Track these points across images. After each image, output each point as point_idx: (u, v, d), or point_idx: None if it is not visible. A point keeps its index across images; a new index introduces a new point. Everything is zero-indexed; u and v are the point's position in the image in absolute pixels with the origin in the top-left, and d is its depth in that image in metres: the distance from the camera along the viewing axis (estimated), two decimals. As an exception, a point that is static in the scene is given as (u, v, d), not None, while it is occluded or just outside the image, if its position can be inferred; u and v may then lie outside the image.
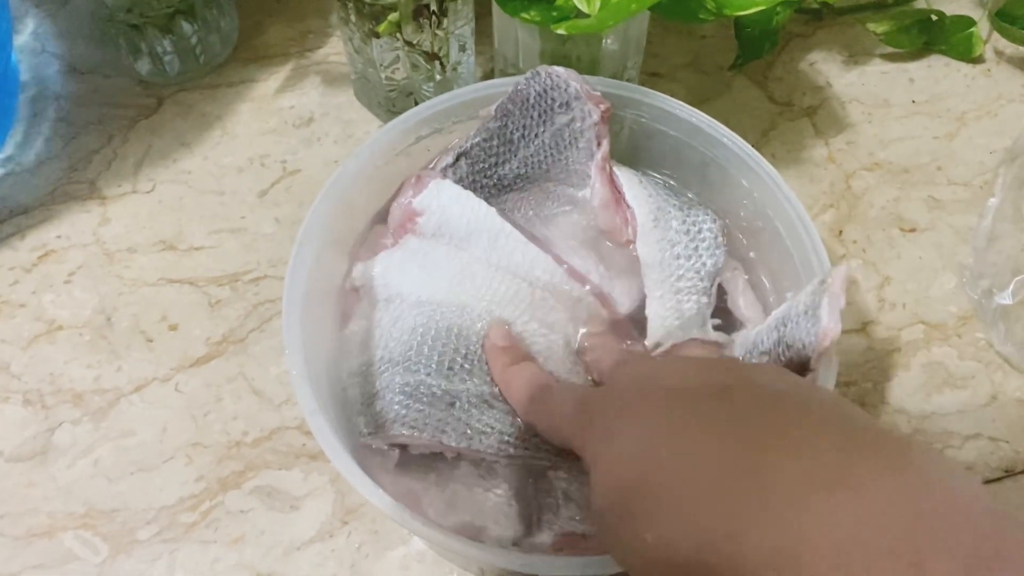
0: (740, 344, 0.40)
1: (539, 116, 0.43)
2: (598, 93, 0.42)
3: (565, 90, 0.41)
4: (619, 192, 0.44)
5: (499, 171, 0.45)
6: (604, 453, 0.30)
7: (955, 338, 0.50)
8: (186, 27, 0.56)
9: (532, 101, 0.42)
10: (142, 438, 0.46)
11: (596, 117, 0.42)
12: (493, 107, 0.43)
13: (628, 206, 0.44)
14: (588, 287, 0.43)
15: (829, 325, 0.34)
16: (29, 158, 0.55)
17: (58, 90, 0.58)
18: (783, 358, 0.36)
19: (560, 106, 0.42)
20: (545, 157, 0.44)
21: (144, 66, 0.58)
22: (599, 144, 0.42)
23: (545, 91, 0.42)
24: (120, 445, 0.46)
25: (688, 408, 0.29)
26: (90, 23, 0.60)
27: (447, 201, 0.43)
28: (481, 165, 0.44)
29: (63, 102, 0.58)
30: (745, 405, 0.28)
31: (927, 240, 0.53)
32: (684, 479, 0.26)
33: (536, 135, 0.43)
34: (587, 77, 0.42)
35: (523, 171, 0.45)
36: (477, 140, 0.44)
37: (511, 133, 0.43)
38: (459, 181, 0.44)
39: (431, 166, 0.45)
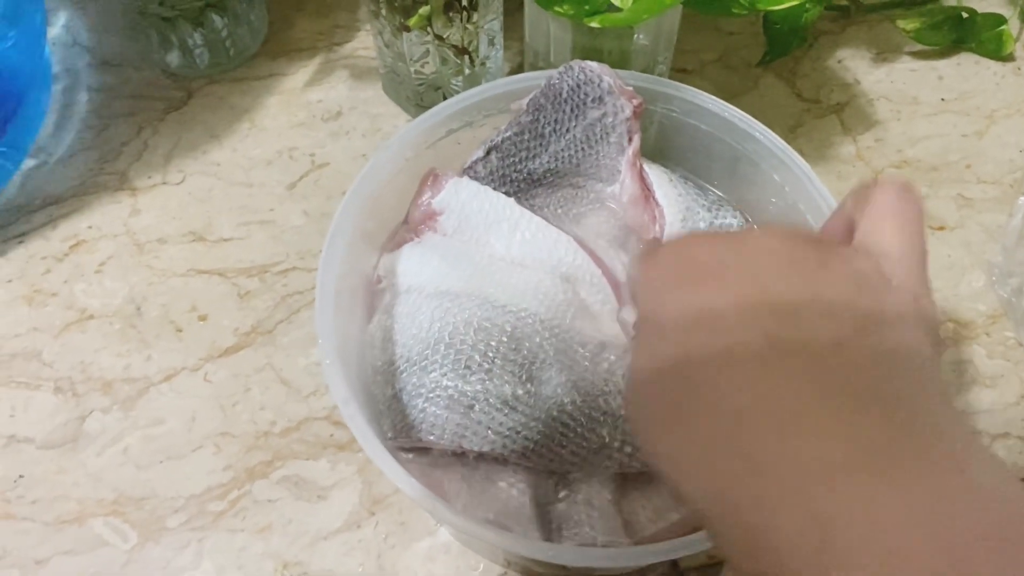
0: None
1: (571, 110, 0.43)
2: (631, 88, 0.42)
3: (599, 84, 0.42)
4: (648, 189, 0.44)
5: (529, 165, 0.45)
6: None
7: (984, 336, 0.49)
8: (216, 20, 0.56)
9: (565, 95, 0.42)
10: (171, 427, 0.47)
11: (628, 112, 0.42)
12: (525, 101, 0.43)
13: (657, 203, 0.44)
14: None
15: None
16: (61, 149, 0.56)
17: (89, 82, 0.59)
18: None
19: (593, 101, 0.42)
20: (576, 151, 0.44)
21: (174, 59, 0.58)
22: (630, 139, 0.42)
23: (578, 85, 0.42)
24: (149, 434, 0.46)
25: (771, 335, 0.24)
26: (121, 16, 0.61)
27: (466, 198, 0.44)
28: (512, 159, 0.44)
29: (94, 94, 0.58)
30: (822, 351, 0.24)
31: (956, 238, 0.53)
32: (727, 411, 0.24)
33: (568, 129, 0.43)
34: (619, 72, 0.42)
35: (553, 166, 0.45)
36: (508, 134, 0.44)
37: (543, 127, 0.44)
38: (489, 175, 0.44)
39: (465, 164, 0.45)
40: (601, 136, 0.43)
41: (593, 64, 0.42)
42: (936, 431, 0.23)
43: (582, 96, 0.42)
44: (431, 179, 0.44)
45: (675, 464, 0.25)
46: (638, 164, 0.43)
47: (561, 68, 0.42)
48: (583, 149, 0.44)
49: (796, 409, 0.23)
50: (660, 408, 0.26)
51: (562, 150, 0.44)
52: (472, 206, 0.43)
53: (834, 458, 0.22)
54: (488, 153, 0.44)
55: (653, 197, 0.44)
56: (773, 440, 0.23)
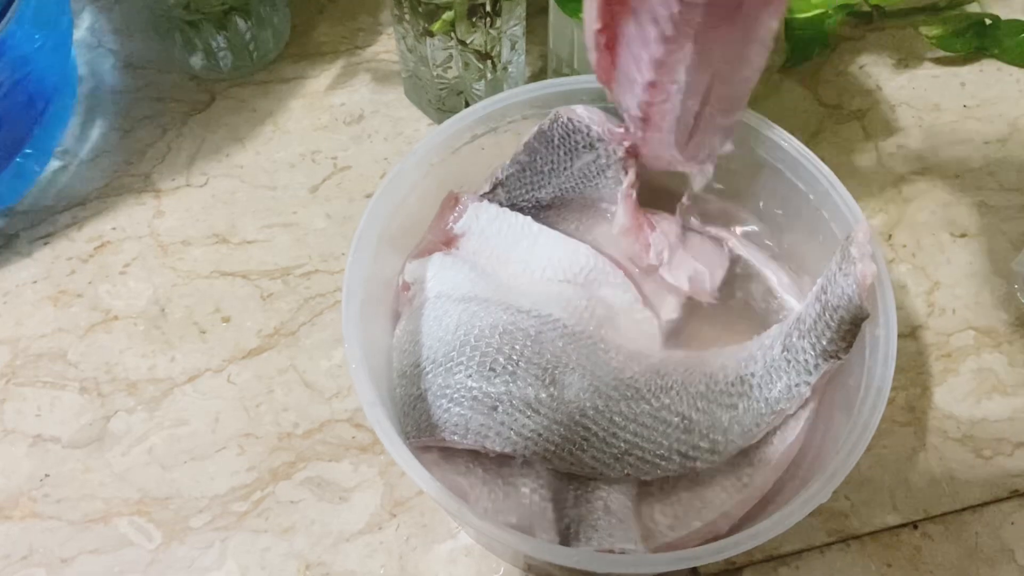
0: (781, 328, 0.41)
1: (565, 154, 0.44)
2: (621, 130, 0.42)
3: (587, 134, 0.43)
4: (644, 217, 0.45)
5: (536, 195, 0.46)
6: None
7: (1006, 344, 0.49)
8: (240, 23, 0.57)
9: (556, 142, 0.44)
10: (195, 427, 0.47)
11: (621, 153, 0.43)
12: (523, 142, 0.44)
13: (653, 230, 0.44)
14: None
15: (864, 267, 0.37)
16: (85, 151, 0.56)
17: (114, 84, 0.59)
18: (832, 323, 0.38)
19: (584, 147, 0.43)
20: (577, 184, 0.45)
21: (198, 61, 0.58)
22: (626, 172, 0.43)
23: (567, 134, 0.43)
24: (173, 434, 0.47)
25: None
26: (145, 19, 0.61)
27: (486, 222, 0.44)
28: (518, 192, 0.45)
29: (118, 96, 0.59)
30: None
31: (978, 246, 0.53)
32: None
33: (565, 168, 0.45)
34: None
35: (559, 194, 0.46)
36: (511, 171, 0.45)
37: (541, 166, 0.45)
38: (500, 206, 0.45)
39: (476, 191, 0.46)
40: (597, 173, 0.44)
41: (581, 112, 0.42)
42: None
43: (572, 144, 0.43)
44: (452, 202, 0.45)
45: None
46: (632, 196, 0.44)
47: (551, 115, 0.43)
48: (583, 182, 0.45)
49: None
50: None
51: (563, 183, 0.45)
52: (492, 228, 0.44)
53: None
54: (494, 188, 0.45)
55: (649, 224, 0.44)
56: None
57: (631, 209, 0.44)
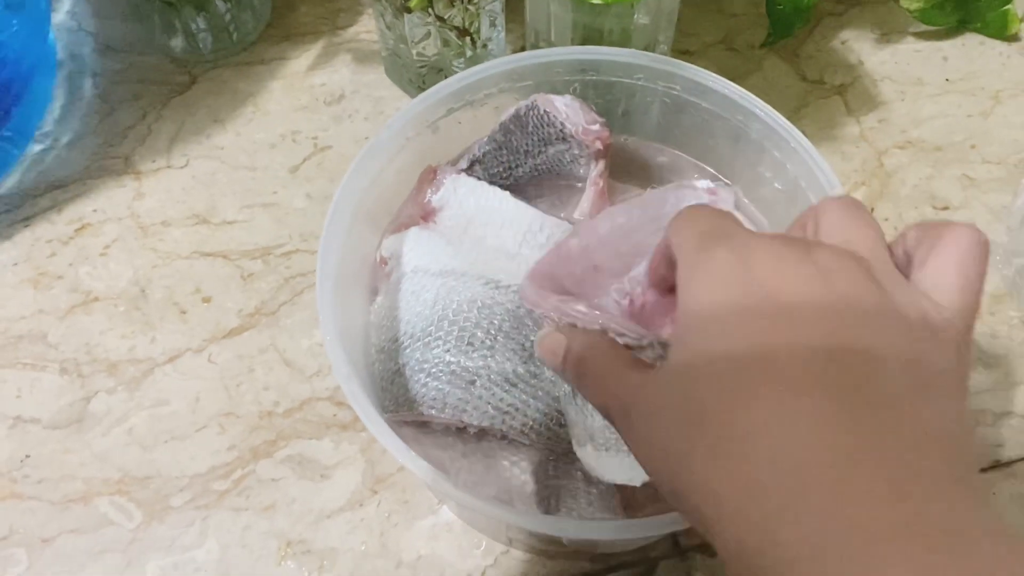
0: None
1: (538, 140, 0.44)
2: (596, 126, 0.42)
3: (561, 129, 0.43)
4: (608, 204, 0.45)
5: (514, 173, 0.46)
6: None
7: (988, 316, 0.49)
8: (219, 5, 0.56)
9: (530, 129, 0.44)
10: (175, 407, 0.47)
11: (592, 150, 0.43)
12: (498, 122, 0.44)
13: None
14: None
15: None
16: (66, 134, 0.56)
17: (94, 67, 0.59)
18: None
19: (556, 139, 0.43)
20: (553, 166, 0.45)
21: (178, 43, 0.58)
22: (597, 161, 0.43)
23: (541, 125, 0.43)
24: (154, 414, 0.47)
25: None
26: (125, 1, 0.61)
27: (464, 195, 0.44)
28: (496, 169, 0.45)
29: (98, 79, 0.59)
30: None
31: (960, 218, 0.52)
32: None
33: (540, 151, 0.45)
34: (619, 51, 0.42)
35: (535, 173, 0.46)
36: (488, 149, 0.45)
37: (517, 146, 0.45)
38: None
39: (450, 162, 0.46)
40: (570, 160, 0.44)
41: (559, 104, 0.42)
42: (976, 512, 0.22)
43: (545, 134, 0.43)
44: (430, 175, 0.44)
45: (703, 495, 0.24)
46: (600, 184, 0.44)
47: (527, 102, 0.43)
48: (557, 164, 0.45)
49: (848, 464, 0.22)
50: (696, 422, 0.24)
51: (539, 164, 0.45)
52: (469, 202, 0.44)
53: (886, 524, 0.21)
54: (472, 165, 0.45)
55: None
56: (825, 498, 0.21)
57: (595, 198, 0.44)
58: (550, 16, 0.48)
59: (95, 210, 0.53)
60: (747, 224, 0.45)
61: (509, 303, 0.41)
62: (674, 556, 0.43)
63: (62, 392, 0.47)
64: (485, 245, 0.43)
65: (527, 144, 0.44)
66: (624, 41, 0.48)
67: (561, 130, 0.43)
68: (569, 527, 0.34)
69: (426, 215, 0.43)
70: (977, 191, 0.54)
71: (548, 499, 0.39)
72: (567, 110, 0.42)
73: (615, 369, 0.29)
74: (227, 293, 0.50)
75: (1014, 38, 0.59)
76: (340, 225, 0.39)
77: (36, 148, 0.56)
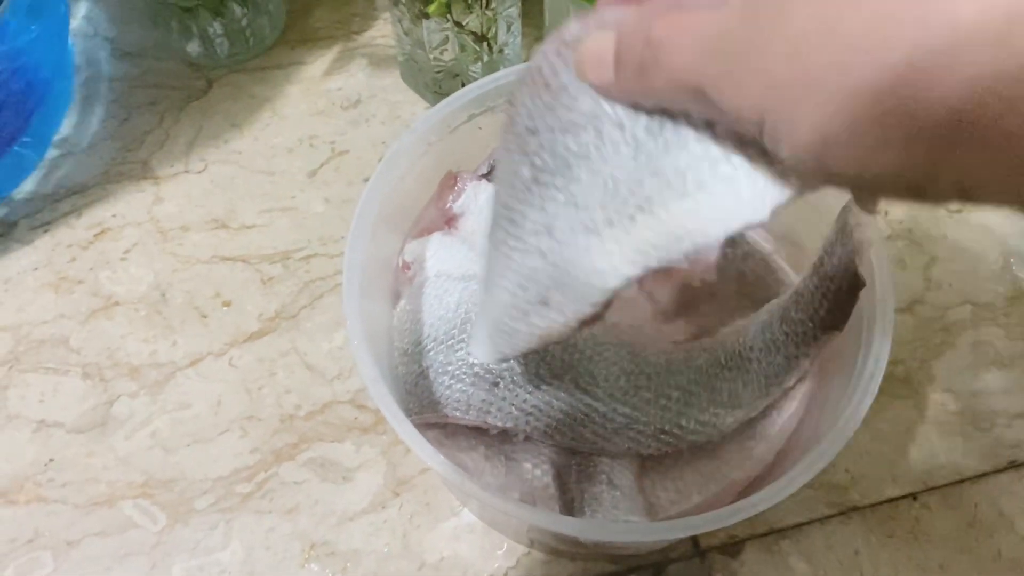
0: (779, 302, 0.40)
1: None
2: None
3: None
4: None
5: None
6: None
7: (1003, 317, 0.50)
8: (236, 10, 0.57)
9: None
10: (197, 411, 0.47)
11: None
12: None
13: None
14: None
15: (860, 236, 0.37)
16: (84, 139, 0.57)
17: (111, 72, 0.59)
18: (829, 294, 0.38)
19: None
20: None
21: (194, 48, 0.59)
22: None
23: None
24: (176, 417, 0.47)
25: None
26: (141, 6, 0.61)
27: (484, 202, 0.44)
28: None
29: (115, 84, 0.59)
30: None
31: (975, 220, 0.53)
32: None
33: None
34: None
35: None
36: None
37: None
38: None
39: (474, 170, 0.46)
40: None
41: None
42: None
43: None
44: (451, 182, 0.45)
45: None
46: None
47: None
48: None
49: None
50: None
51: None
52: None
53: None
54: (492, 170, 0.45)
55: None
56: None
57: None
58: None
59: (114, 215, 0.54)
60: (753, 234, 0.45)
61: None
62: (694, 557, 0.44)
63: (85, 396, 0.48)
64: None
65: None
66: (642, 46, 0.49)
67: None
68: (593, 529, 0.35)
69: (448, 221, 0.44)
70: (990, 193, 0.54)
71: (571, 502, 0.39)
72: None
73: (715, 27, 0.22)
74: (247, 297, 0.50)
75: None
76: (364, 230, 0.40)
77: (54, 154, 0.56)
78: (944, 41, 0.17)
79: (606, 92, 0.25)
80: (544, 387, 0.39)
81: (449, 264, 0.42)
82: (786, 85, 0.20)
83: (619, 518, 0.38)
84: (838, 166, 0.20)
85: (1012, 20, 0.17)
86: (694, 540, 0.44)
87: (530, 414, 0.39)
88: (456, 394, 0.39)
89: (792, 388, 0.41)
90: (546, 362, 0.40)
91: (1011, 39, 0.17)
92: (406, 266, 0.43)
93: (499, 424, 0.38)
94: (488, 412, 0.38)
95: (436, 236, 0.43)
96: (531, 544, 0.43)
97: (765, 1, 0.20)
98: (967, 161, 0.18)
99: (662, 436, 0.39)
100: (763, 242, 0.46)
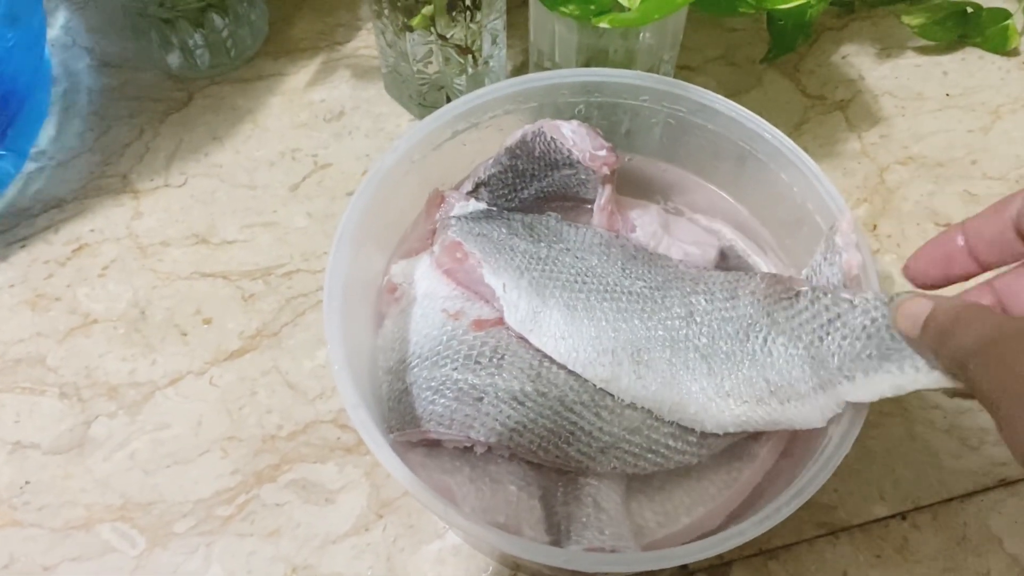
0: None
1: (545, 165, 0.44)
2: (603, 152, 0.42)
3: (568, 155, 0.43)
4: (624, 219, 0.44)
5: (520, 195, 0.45)
6: None
7: (991, 334, 0.49)
8: (217, 21, 0.56)
9: (537, 154, 0.43)
10: (177, 431, 0.46)
11: (600, 175, 0.43)
12: (503, 145, 0.44)
13: (633, 230, 0.44)
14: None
15: (849, 257, 0.37)
16: (62, 152, 0.56)
17: (89, 84, 0.58)
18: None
19: (563, 164, 0.43)
20: (559, 188, 0.45)
21: (175, 60, 0.58)
22: (604, 186, 0.43)
23: (548, 150, 0.43)
24: (156, 438, 0.46)
25: None
26: (120, 17, 0.60)
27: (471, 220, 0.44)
28: (501, 191, 0.45)
29: (94, 96, 0.58)
30: None
31: (962, 235, 0.52)
32: None
33: (546, 175, 0.44)
34: (623, 72, 0.42)
35: (541, 195, 0.46)
36: (493, 171, 0.44)
37: (523, 169, 0.44)
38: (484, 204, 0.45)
39: (456, 186, 0.46)
40: (577, 184, 0.44)
41: (565, 131, 0.42)
42: None
43: (552, 159, 0.43)
44: (438, 200, 0.44)
45: None
46: (608, 209, 0.43)
47: (534, 128, 0.43)
48: (565, 186, 0.45)
49: None
50: None
51: (544, 187, 0.45)
52: (476, 228, 0.44)
53: None
54: (477, 187, 0.45)
55: (628, 227, 0.44)
56: None
57: (606, 223, 0.44)
58: (555, 36, 0.48)
59: (92, 230, 0.53)
60: (752, 244, 0.45)
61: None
62: (682, 579, 0.43)
63: (62, 416, 0.47)
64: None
65: (533, 168, 0.44)
66: (629, 61, 0.48)
67: (568, 156, 0.42)
68: (582, 560, 0.34)
69: (432, 238, 0.43)
70: (978, 206, 0.53)
71: (558, 525, 0.38)
72: (574, 136, 0.42)
73: (990, 329, 0.29)
74: (228, 314, 0.50)
75: (1014, 53, 0.60)
76: (346, 250, 0.39)
77: (31, 167, 0.55)
78: None
79: (909, 342, 0.33)
80: (529, 404, 0.38)
81: (436, 284, 0.42)
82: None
83: (606, 542, 0.38)
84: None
85: None
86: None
87: (514, 430, 0.38)
88: (440, 408, 0.38)
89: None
90: (532, 379, 0.39)
91: None
92: (392, 287, 0.43)
93: (482, 440, 0.38)
94: (471, 427, 0.38)
95: (425, 257, 0.43)
96: (516, 568, 0.43)
97: None
98: None
99: (649, 455, 0.39)
100: (754, 255, 0.45)
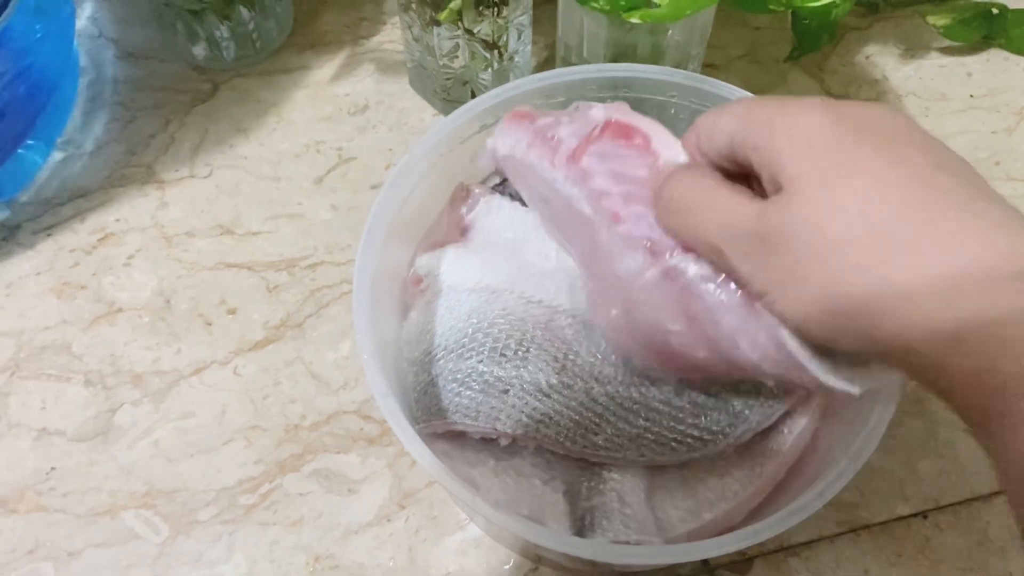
0: None
1: None
2: None
3: None
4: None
5: None
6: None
7: (1015, 335, 0.49)
8: (244, 13, 0.56)
9: None
10: (201, 420, 0.47)
11: None
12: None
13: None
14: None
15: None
16: (88, 142, 0.56)
17: (115, 75, 0.59)
18: None
19: None
20: None
21: (200, 51, 0.58)
22: None
23: None
24: (180, 427, 0.47)
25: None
26: (147, 8, 0.61)
27: (496, 215, 0.44)
28: None
29: (120, 86, 0.58)
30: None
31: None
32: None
33: None
34: (650, 68, 0.42)
35: None
36: None
37: None
38: (512, 195, 0.45)
39: (482, 181, 0.46)
40: None
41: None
42: None
43: None
44: (464, 194, 0.44)
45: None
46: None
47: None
48: None
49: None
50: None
51: None
52: (503, 220, 0.44)
53: None
54: (504, 181, 0.45)
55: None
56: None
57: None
58: (583, 31, 0.48)
59: (118, 219, 0.53)
60: None
61: (542, 316, 0.41)
62: (703, 574, 0.43)
63: (87, 404, 0.47)
64: (519, 263, 0.43)
65: None
66: (656, 57, 0.48)
67: None
68: (606, 552, 0.34)
69: (461, 231, 0.43)
70: (1002, 208, 0.53)
71: (582, 518, 0.39)
72: None
73: (719, 199, 0.30)
74: (252, 305, 0.50)
75: (1038, 54, 0.59)
76: (375, 243, 0.39)
77: (58, 156, 0.55)
78: (900, 293, 0.26)
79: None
80: (555, 396, 0.39)
81: (461, 276, 0.42)
82: (788, 279, 0.28)
83: (630, 536, 0.38)
84: (812, 335, 0.29)
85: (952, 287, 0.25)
86: (704, 558, 0.43)
87: (540, 421, 0.38)
88: (466, 401, 0.39)
89: (804, 403, 0.40)
90: (557, 372, 0.39)
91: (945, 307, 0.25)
92: (418, 279, 0.43)
93: (508, 432, 0.38)
94: (498, 419, 0.38)
95: (451, 249, 0.43)
96: (538, 560, 0.43)
97: (776, 216, 0.28)
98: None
99: (675, 444, 0.39)
100: None
